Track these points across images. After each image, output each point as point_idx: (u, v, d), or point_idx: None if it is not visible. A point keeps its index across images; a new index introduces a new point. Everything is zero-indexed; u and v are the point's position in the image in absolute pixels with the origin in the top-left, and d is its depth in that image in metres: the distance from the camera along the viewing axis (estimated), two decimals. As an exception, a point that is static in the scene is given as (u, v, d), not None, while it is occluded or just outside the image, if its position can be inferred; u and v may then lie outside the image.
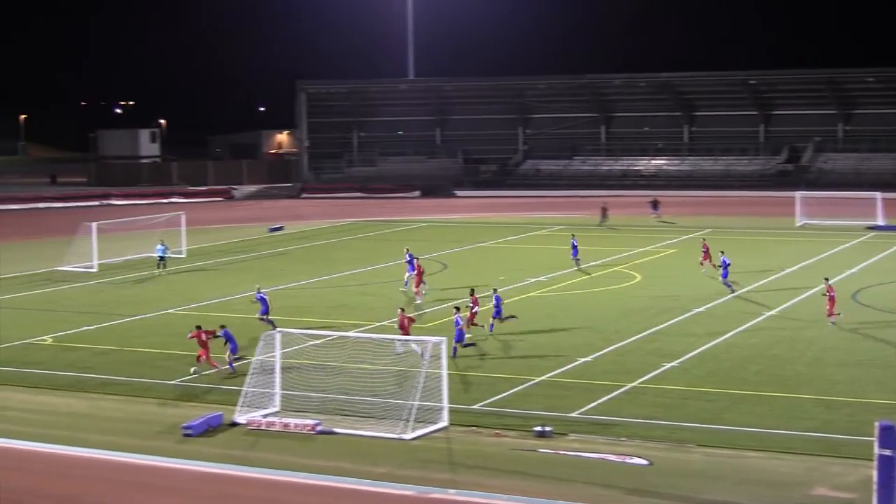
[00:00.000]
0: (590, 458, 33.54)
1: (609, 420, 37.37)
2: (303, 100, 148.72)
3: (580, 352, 47.61)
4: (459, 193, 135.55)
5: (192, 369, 44.83)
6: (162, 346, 50.03)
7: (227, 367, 44.67)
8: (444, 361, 37.57)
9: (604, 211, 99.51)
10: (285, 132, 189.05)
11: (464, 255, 78.66)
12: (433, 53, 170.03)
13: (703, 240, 73.09)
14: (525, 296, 61.77)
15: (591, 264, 72.47)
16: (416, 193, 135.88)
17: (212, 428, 36.96)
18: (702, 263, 68.39)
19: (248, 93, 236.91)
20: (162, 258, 74.23)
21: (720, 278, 62.60)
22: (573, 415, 38.14)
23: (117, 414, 39.52)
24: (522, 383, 42.60)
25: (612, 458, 33.54)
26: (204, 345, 44.73)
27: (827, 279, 55.33)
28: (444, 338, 38.34)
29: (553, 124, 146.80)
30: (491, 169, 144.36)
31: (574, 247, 72.45)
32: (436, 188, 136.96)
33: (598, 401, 39.79)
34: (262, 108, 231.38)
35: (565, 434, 35.85)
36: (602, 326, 53.12)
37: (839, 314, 53.17)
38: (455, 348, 46.25)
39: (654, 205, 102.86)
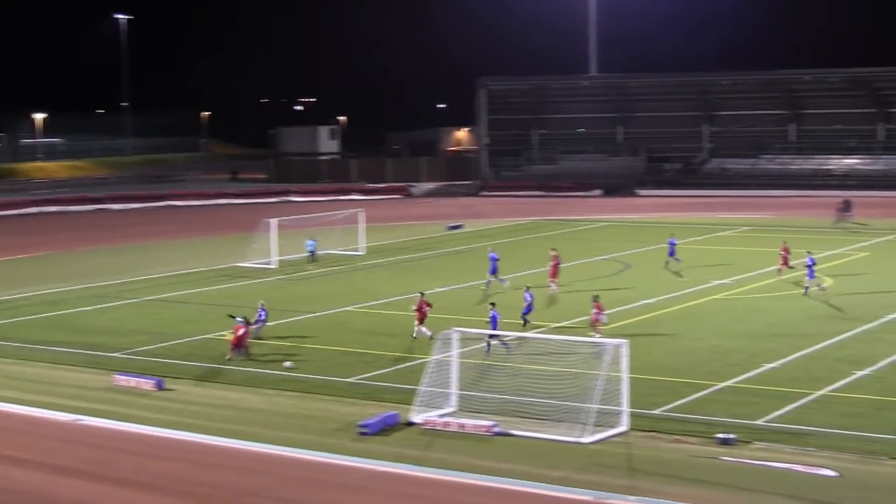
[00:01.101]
0: (775, 468, 32.96)
1: (796, 429, 36.65)
2: (483, 97, 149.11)
3: (766, 357, 46.83)
4: (641, 192, 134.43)
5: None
6: (339, 344, 50.62)
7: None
8: (625, 364, 37.27)
9: (841, 209, 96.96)
10: (465, 129, 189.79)
11: (645, 256, 77.97)
12: (616, 49, 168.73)
13: (784, 242, 70.29)
14: (709, 298, 61.02)
15: (778, 267, 71.19)
16: (597, 192, 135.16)
17: (388, 427, 37.26)
18: (780, 270, 66.80)
19: (427, 90, 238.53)
20: (312, 253, 75.48)
21: (807, 279, 61.66)
22: (758, 422, 37.52)
23: (293, 410, 40.09)
24: (705, 388, 42.08)
25: (798, 468, 32.92)
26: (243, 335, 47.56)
27: None
28: (625, 340, 38.06)
29: (740, 121, 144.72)
30: (675, 167, 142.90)
31: (672, 245, 71.79)
32: (617, 187, 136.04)
33: (785, 409, 39.07)
34: (441, 106, 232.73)
35: (749, 442, 35.28)
36: (789, 331, 52.15)
37: None
38: (489, 344, 47.00)
39: (847, 206, 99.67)
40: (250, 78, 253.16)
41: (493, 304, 49.03)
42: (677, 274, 68.98)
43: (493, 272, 65.24)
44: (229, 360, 47.23)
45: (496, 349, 46.71)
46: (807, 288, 61.27)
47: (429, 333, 49.36)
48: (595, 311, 49.76)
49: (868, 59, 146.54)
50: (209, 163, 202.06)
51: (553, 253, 66.21)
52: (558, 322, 53.68)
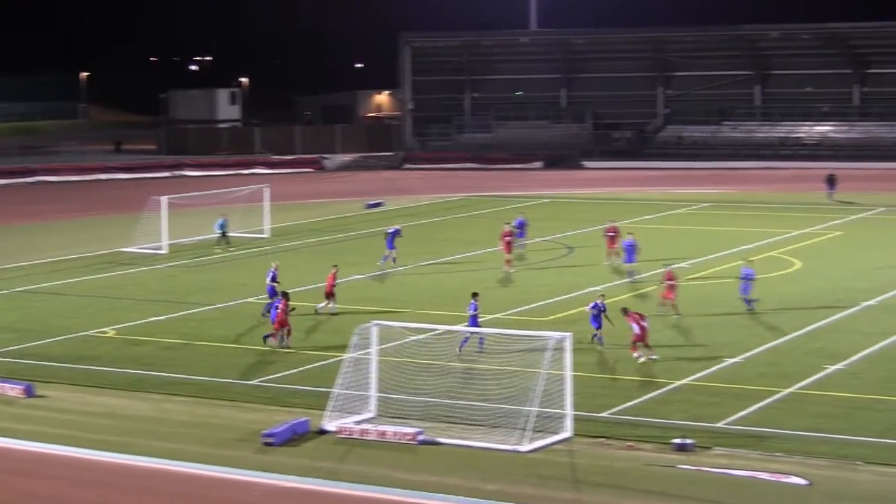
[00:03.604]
0: (739, 477, 33.20)
1: (762, 432, 36.99)
2: (407, 55, 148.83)
3: (728, 351, 47.15)
4: (588, 164, 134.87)
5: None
6: (240, 341, 50.43)
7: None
8: (569, 361, 37.34)
9: (831, 180, 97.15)
10: (386, 93, 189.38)
11: (592, 238, 78.16)
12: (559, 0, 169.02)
13: (611, 221, 69.70)
14: (664, 284, 61.24)
15: (740, 249, 71.68)
16: (538, 164, 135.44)
17: (297, 435, 37.17)
18: (609, 254, 67.06)
19: (343, 47, 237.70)
20: (224, 234, 75.04)
21: (623, 263, 62.96)
22: (719, 425, 37.81)
23: (186, 418, 39.91)
24: (660, 388, 42.30)
25: (765, 476, 33.18)
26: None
27: (666, 265, 55.62)
28: (568, 333, 38.12)
29: (699, 84, 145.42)
30: (625, 136, 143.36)
31: (521, 226, 72.04)
32: (561, 158, 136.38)
33: (750, 409, 39.40)
34: (358, 65, 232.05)
35: (710, 448, 35.54)
36: (754, 322, 52.55)
37: (676, 309, 52.59)
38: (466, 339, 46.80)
39: (831, 181, 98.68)
40: (137, 32, 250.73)
41: (475, 293, 48.92)
42: (521, 257, 69.32)
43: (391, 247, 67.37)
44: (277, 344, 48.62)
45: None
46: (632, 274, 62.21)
47: (321, 305, 54.97)
48: (635, 325, 45.93)
49: (843, 13, 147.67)
50: (89, 132, 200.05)
51: (507, 228, 66.42)
52: (493, 313, 53.65)
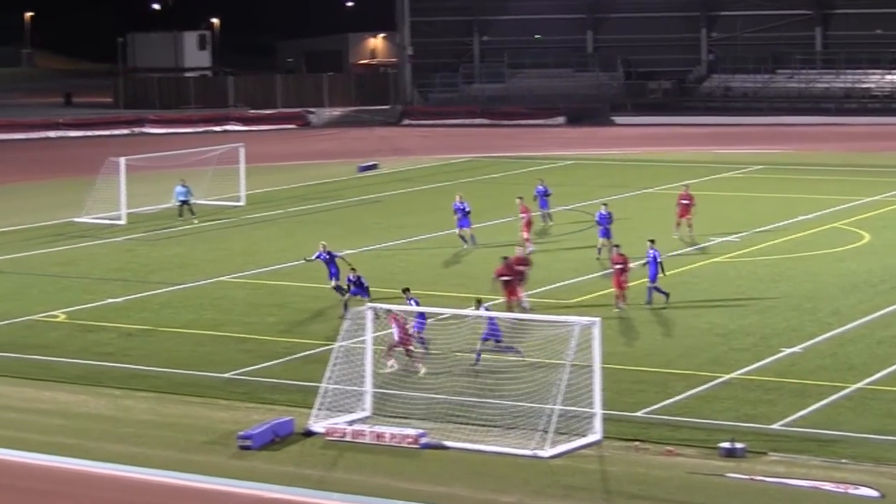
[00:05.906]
0: (798, 487, 33.14)
1: (825, 434, 36.93)
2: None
3: (785, 340, 47.09)
4: (618, 120, 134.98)
5: None
6: (212, 327, 50.43)
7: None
8: (597, 351, 37.20)
9: None
10: (381, 36, 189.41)
11: (623, 205, 77.98)
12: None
13: (687, 188, 68.94)
14: (709, 261, 61.25)
15: (799, 219, 71.56)
16: (560, 120, 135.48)
17: (278, 438, 37.14)
18: (678, 224, 66.86)
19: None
20: (185, 203, 74.72)
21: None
22: (775, 427, 37.77)
23: (149, 417, 39.88)
24: (705, 382, 42.24)
25: (829, 486, 33.12)
26: None
27: (617, 246, 54.22)
28: (597, 318, 37.97)
29: (750, 25, 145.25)
30: (663, 87, 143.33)
31: (542, 195, 71.34)
32: (586, 113, 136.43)
33: (811, 408, 39.35)
34: (349, 4, 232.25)
35: (764, 453, 35.50)
36: (815, 305, 52.46)
37: (623, 300, 51.75)
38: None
39: None
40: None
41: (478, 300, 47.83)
42: (544, 232, 69.29)
43: (465, 225, 66.10)
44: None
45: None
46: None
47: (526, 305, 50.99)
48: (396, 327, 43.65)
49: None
50: (35, 81, 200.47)
51: (520, 203, 65.62)
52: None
